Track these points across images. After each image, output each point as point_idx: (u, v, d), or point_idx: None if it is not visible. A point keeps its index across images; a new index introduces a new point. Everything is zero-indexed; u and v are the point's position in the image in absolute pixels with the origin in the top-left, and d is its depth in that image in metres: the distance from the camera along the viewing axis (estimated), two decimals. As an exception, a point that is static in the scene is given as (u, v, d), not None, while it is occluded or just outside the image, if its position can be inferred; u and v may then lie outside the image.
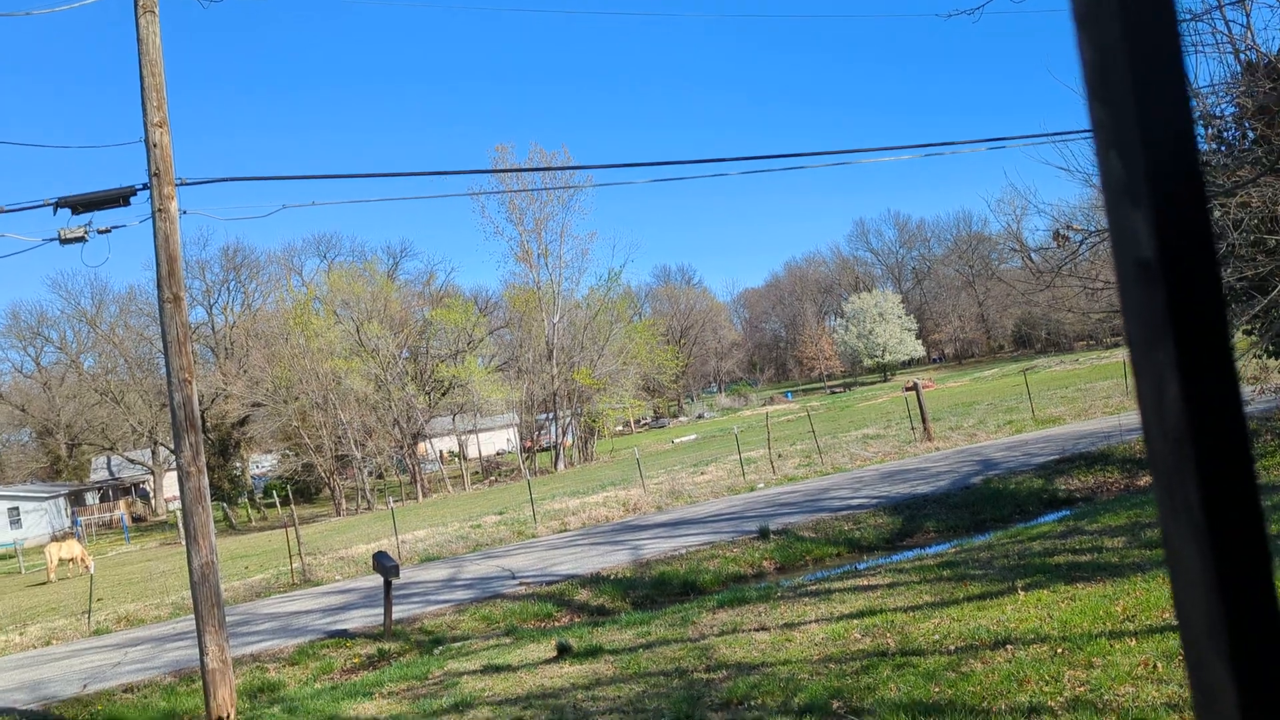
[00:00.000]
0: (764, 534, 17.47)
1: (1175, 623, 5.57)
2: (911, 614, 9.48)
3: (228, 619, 12.78)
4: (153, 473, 75.91)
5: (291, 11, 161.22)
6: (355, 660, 13.74)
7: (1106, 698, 6.18)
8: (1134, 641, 7.23)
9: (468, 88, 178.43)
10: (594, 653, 10.34)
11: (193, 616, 11.00)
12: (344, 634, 14.73)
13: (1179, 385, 0.64)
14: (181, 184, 10.79)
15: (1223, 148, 15.18)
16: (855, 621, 9.61)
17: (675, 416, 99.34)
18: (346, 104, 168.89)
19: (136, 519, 68.87)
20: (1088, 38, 0.68)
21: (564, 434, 59.34)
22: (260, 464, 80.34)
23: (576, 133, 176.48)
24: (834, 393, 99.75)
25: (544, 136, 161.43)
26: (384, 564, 13.98)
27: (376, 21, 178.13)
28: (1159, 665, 6.61)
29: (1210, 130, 15.29)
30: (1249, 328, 15.07)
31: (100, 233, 10.84)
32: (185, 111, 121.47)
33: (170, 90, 10.78)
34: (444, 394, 58.61)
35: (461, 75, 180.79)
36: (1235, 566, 0.62)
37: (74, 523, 60.92)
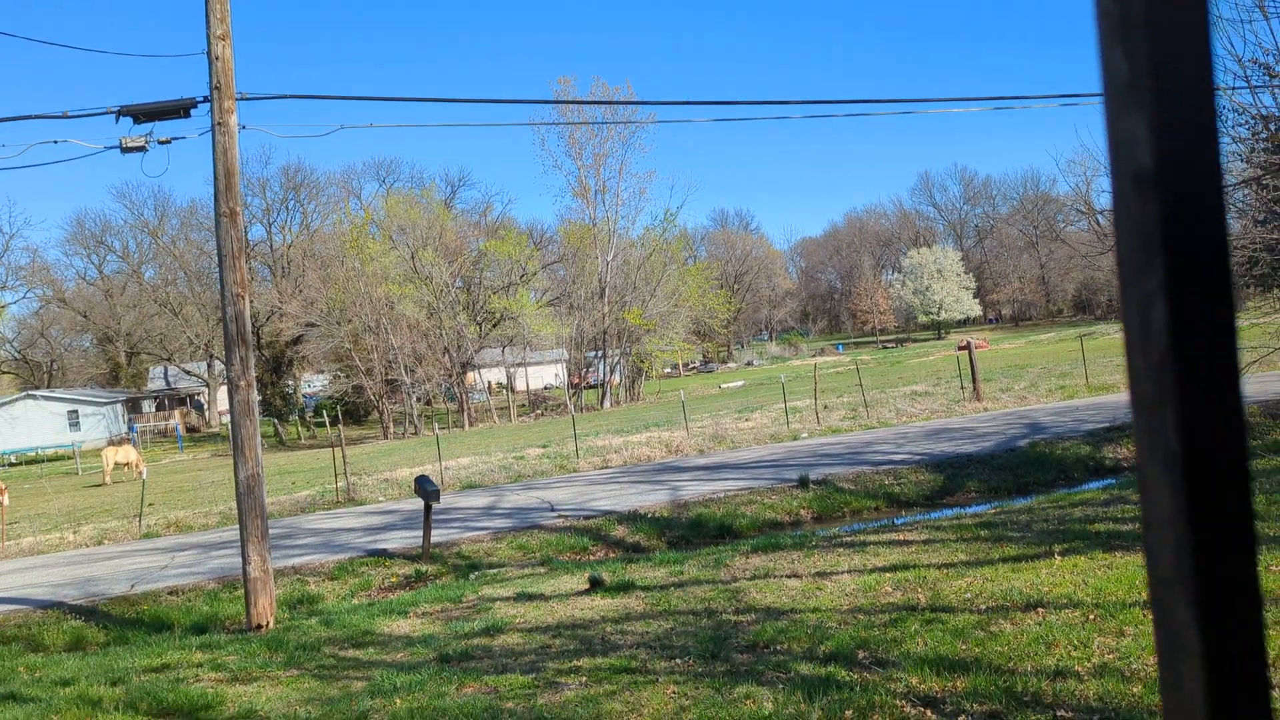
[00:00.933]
0: (803, 483, 17.45)
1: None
2: (945, 571, 9.43)
3: (271, 532, 13.12)
4: (208, 385, 77.67)
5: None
6: (393, 579, 14.04)
7: (1135, 666, 6.11)
8: (1168, 613, 7.13)
9: (530, 20, 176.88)
10: (626, 588, 10.45)
11: (238, 526, 11.30)
12: (383, 553, 15.05)
13: (1166, 307, 0.59)
14: (242, 98, 10.85)
15: None
16: (887, 575, 9.59)
17: (724, 362, 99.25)
18: (408, 29, 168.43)
19: (190, 429, 70.73)
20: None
21: (611, 373, 59.59)
22: (312, 383, 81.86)
23: (639, 68, 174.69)
24: (886, 348, 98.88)
25: (607, 71, 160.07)
26: (425, 488, 14.20)
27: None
28: (1191, 638, 6.52)
29: None
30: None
31: (161, 143, 10.96)
32: (248, 25, 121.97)
33: (233, 3, 10.79)
34: (495, 325, 59.03)
35: (525, 5, 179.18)
36: (1209, 505, 0.57)
37: (130, 429, 62.77)
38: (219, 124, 10.60)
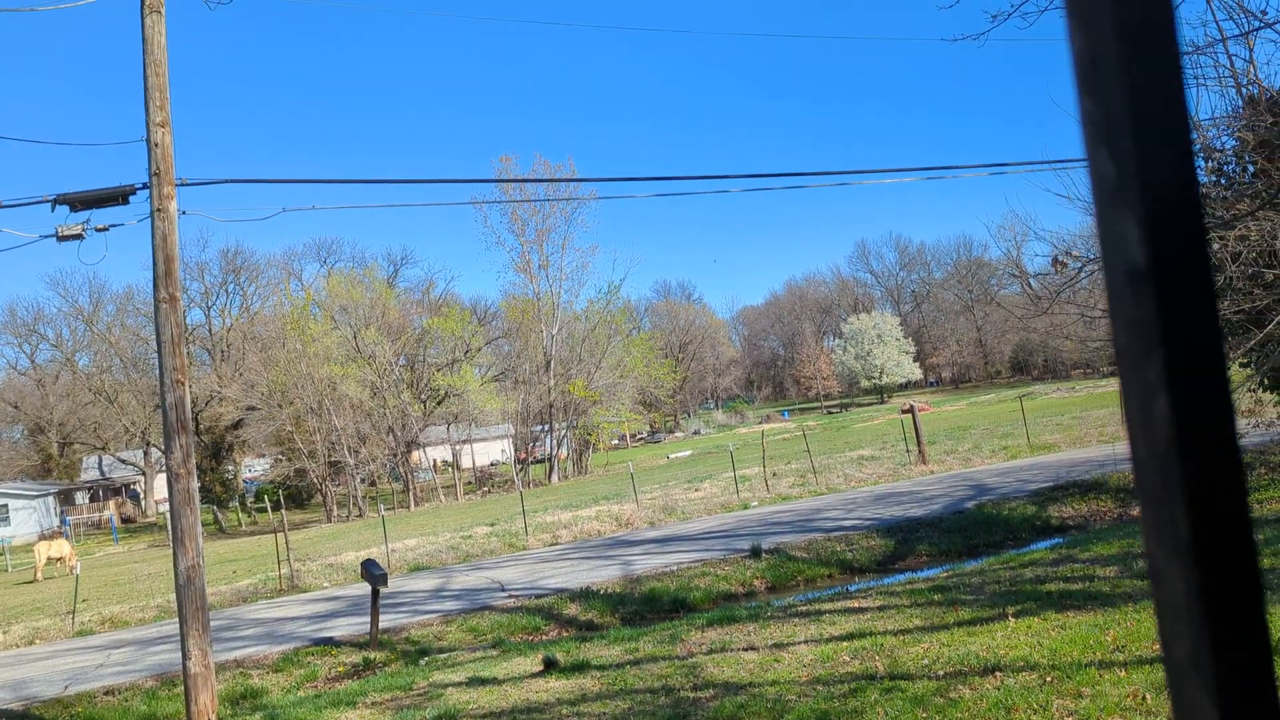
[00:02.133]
0: (756, 552, 17.40)
1: (1165, 654, 5.55)
2: (901, 637, 9.41)
3: (212, 623, 12.70)
4: (144, 474, 75.65)
5: (297, 17, 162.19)
6: (340, 669, 13.64)
7: (1095, 728, 6.13)
8: (1123, 672, 7.17)
9: (472, 102, 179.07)
10: (581, 668, 10.26)
11: (177, 620, 10.91)
12: (330, 641, 14.63)
13: (1168, 399, 0.60)
14: (182, 184, 10.77)
15: (1222, 180, 15.20)
16: (844, 644, 9.54)
17: (671, 432, 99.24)
18: (350, 113, 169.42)
19: (126, 520, 68.62)
20: (1079, 25, 0.64)
21: (559, 446, 59.23)
22: (253, 468, 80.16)
23: (581, 148, 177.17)
24: (830, 413, 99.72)
25: (548, 149, 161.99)
26: (372, 572, 13.90)
27: (383, 34, 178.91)
28: (1148, 696, 6.55)
29: (1210, 163, 15.31)
30: (1245, 360, 15.05)
31: (98, 230, 10.81)
32: (187, 112, 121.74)
33: (173, 90, 10.77)
34: (439, 403, 58.51)
35: (467, 89, 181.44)
36: (1223, 594, 0.58)
37: (63, 522, 60.73)
38: (158, 210, 10.49)
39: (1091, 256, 10.79)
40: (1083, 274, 10.57)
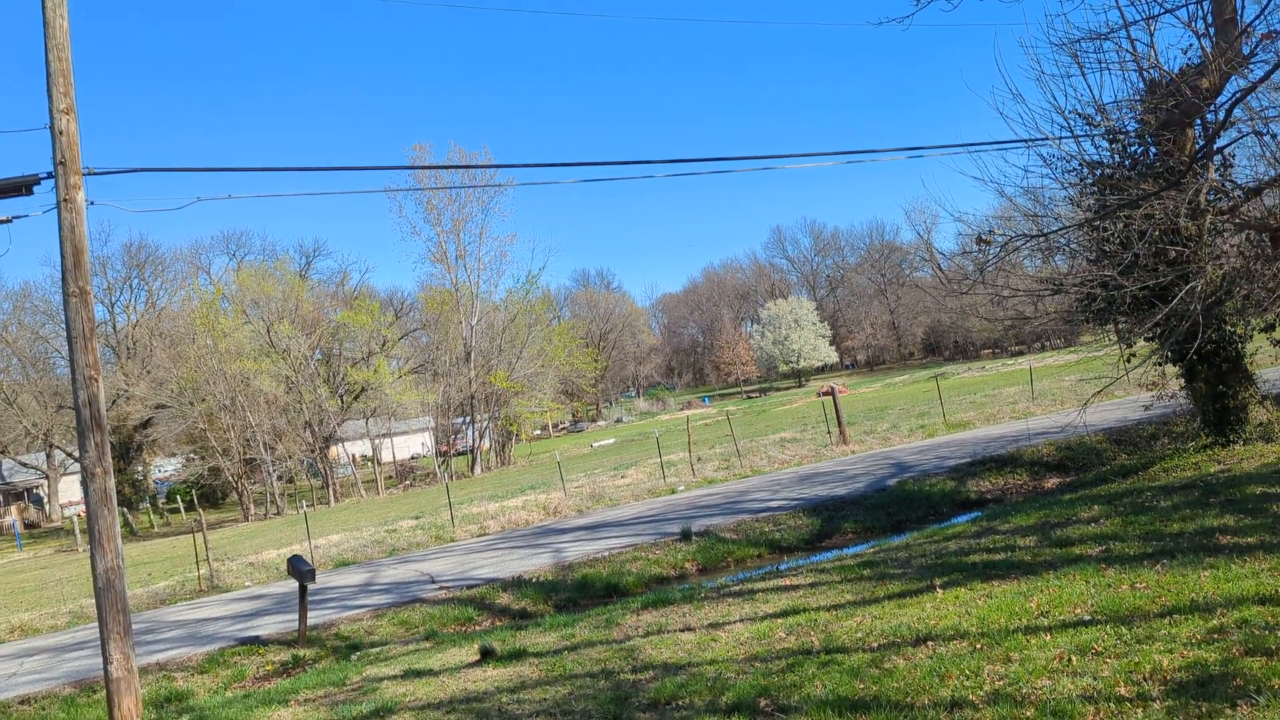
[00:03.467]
0: (686, 536, 17.53)
1: (1088, 618, 5.69)
2: (834, 613, 9.58)
3: (133, 626, 12.33)
4: (47, 477, 72.84)
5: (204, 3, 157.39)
6: (269, 667, 13.37)
7: (1025, 691, 6.31)
8: (1049, 636, 7.42)
9: (385, 85, 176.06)
10: (518, 656, 10.22)
11: (94, 625, 10.59)
12: (257, 640, 14.32)
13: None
14: (89, 173, 10.37)
15: (1127, 162, 15.76)
16: (779, 621, 9.68)
17: (594, 421, 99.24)
18: (259, 100, 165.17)
19: (29, 525, 66.04)
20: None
21: (481, 438, 58.78)
22: (163, 468, 77.80)
23: (497, 134, 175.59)
24: (750, 398, 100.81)
25: (463, 137, 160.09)
26: (299, 568, 13.65)
27: (294, 13, 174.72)
28: (1073, 659, 6.79)
29: (1116, 145, 15.86)
30: (1150, 335, 15.64)
31: (2, 222, 10.35)
32: (93, 102, 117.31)
33: (78, 80, 10.37)
34: (356, 397, 57.54)
35: (378, 71, 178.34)
36: None
37: (-38, 529, 58.15)
38: (65, 200, 10.09)
39: (1011, 235, 11.09)
40: (1001, 251, 10.85)
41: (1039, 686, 6.35)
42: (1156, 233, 13.89)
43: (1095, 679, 6.26)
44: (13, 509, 67.20)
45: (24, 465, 73.79)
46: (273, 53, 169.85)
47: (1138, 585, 8.38)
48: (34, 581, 28.97)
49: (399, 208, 62.98)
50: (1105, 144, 15.81)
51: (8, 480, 75.70)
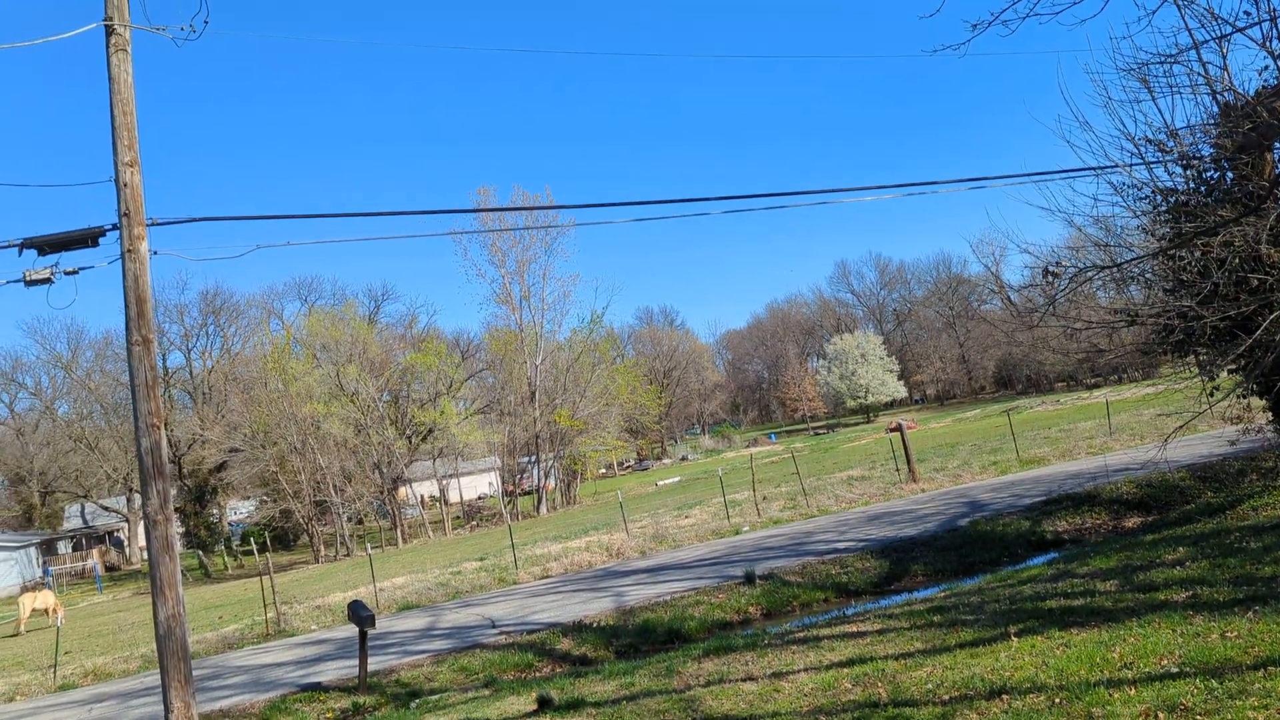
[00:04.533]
0: (750, 579, 17.15)
1: (1175, 670, 5.27)
2: (903, 662, 9.20)
3: (197, 672, 12.36)
4: (127, 520, 74.71)
5: (267, 55, 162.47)
6: (329, 715, 13.30)
7: (1109, 751, 5.93)
8: (1133, 690, 6.99)
9: (449, 137, 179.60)
10: (576, 705, 9.99)
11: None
12: (318, 687, 14.29)
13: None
14: (153, 224, 10.55)
15: (1202, 188, 15.20)
16: (845, 670, 9.32)
17: (659, 458, 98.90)
18: (324, 156, 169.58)
19: (110, 568, 67.66)
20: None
21: (546, 477, 58.81)
22: (238, 510, 79.31)
23: (558, 177, 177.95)
24: (817, 434, 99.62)
25: (526, 180, 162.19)
26: (359, 614, 13.59)
27: (356, 69, 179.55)
28: (1160, 715, 6.37)
29: (1190, 171, 15.31)
30: (1234, 367, 14.98)
31: (68, 274, 10.55)
32: (158, 152, 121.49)
33: (141, 130, 10.58)
34: (424, 438, 58.04)
35: (443, 125, 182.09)
36: None
37: (45, 572, 59.80)
38: (129, 251, 10.26)
39: (1082, 266, 10.69)
40: (1069, 284, 10.45)
41: (1123, 747, 5.95)
42: (1237, 260, 13.32)
43: (1185, 739, 5.86)
44: (95, 552, 68.92)
45: (106, 509, 75.79)
46: (334, 103, 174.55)
47: (1228, 634, 7.89)
48: (110, 625, 29.49)
49: (464, 250, 63.58)
50: (1179, 170, 15.27)
51: (90, 524, 77.77)
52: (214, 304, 76.84)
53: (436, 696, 12.96)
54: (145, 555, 64.98)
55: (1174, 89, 14.84)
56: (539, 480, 58.70)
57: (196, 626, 23.52)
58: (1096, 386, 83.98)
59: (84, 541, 73.36)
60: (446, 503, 60.61)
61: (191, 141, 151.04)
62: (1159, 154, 14.92)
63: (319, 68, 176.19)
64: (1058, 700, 7.11)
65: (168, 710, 10.11)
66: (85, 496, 77.12)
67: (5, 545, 63.17)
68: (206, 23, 10.62)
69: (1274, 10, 11.69)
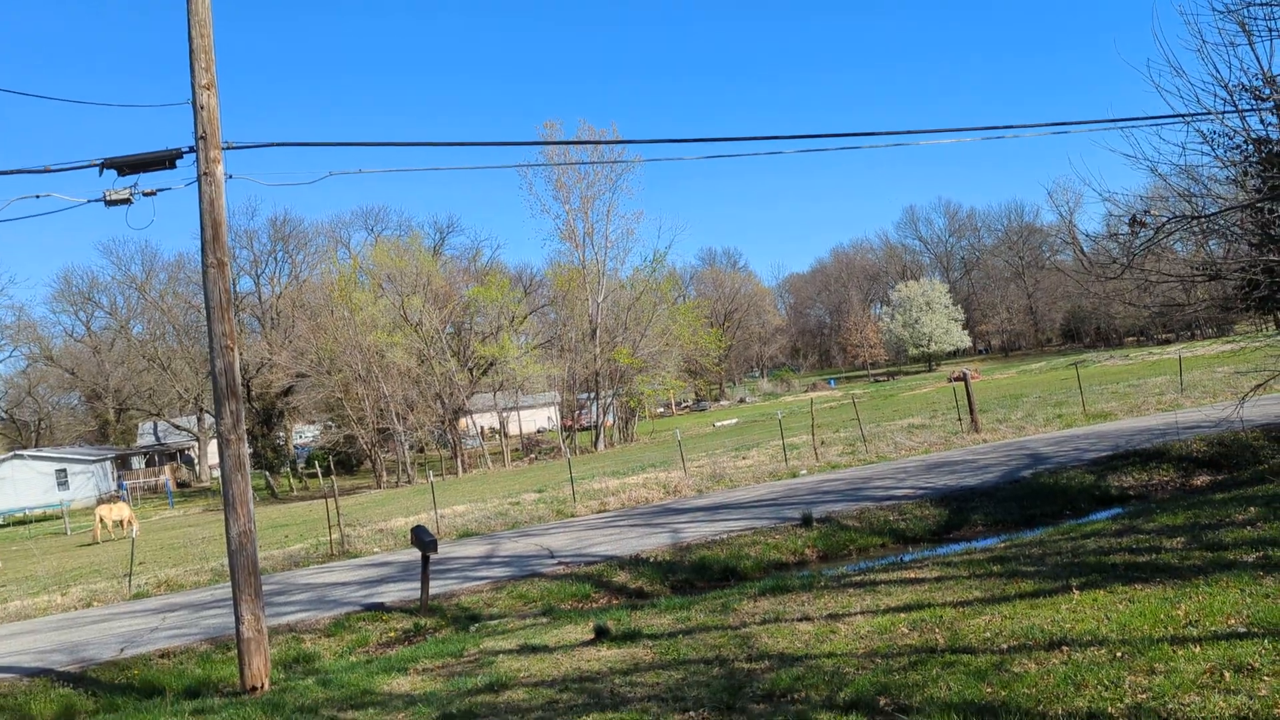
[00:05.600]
0: (807, 521, 17.17)
1: (1243, 630, 5.17)
2: (961, 610, 9.16)
3: (264, 588, 12.78)
4: (198, 439, 77.05)
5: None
6: (391, 634, 13.68)
7: (1170, 706, 5.85)
8: (1198, 648, 6.88)
9: (516, 67, 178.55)
10: (632, 637, 10.14)
11: (230, 584, 10.98)
12: (380, 607, 14.69)
13: None
14: (228, 147, 10.69)
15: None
16: (902, 615, 9.31)
17: (716, 400, 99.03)
18: (396, 83, 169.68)
19: (181, 485, 70.03)
20: None
21: (605, 414, 59.28)
22: (303, 434, 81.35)
23: (625, 112, 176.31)
24: (877, 381, 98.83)
25: (593, 115, 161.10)
26: (422, 538, 13.89)
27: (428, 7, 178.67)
28: (1226, 674, 6.26)
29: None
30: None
31: (146, 195, 10.76)
32: (233, 78, 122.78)
33: (218, 55, 10.66)
34: (485, 371, 58.76)
35: (511, 59, 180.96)
36: None
37: (120, 487, 62.08)
38: (205, 174, 10.42)
39: (1166, 217, 10.32)
40: (1159, 234, 10.10)
41: (1187, 703, 5.87)
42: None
43: (1251, 698, 5.76)
44: (166, 469, 71.32)
45: (177, 428, 78.22)
46: (403, 32, 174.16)
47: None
48: (182, 539, 30.57)
49: (529, 185, 63.71)
50: (1274, 119, 14.62)
51: (162, 442, 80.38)
52: (283, 231, 78.15)
53: (495, 622, 13.25)
54: (214, 474, 67.03)
55: (1275, 33, 14.15)
56: (597, 416, 59.21)
57: (264, 544, 24.26)
58: (1168, 342, 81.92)
59: (156, 458, 75.97)
60: (506, 435, 61.49)
61: (267, 65, 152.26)
62: (1254, 101, 14.28)
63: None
64: (1119, 654, 7.02)
65: (238, 620, 10.49)
66: (158, 415, 79.60)
67: (82, 459, 65.64)
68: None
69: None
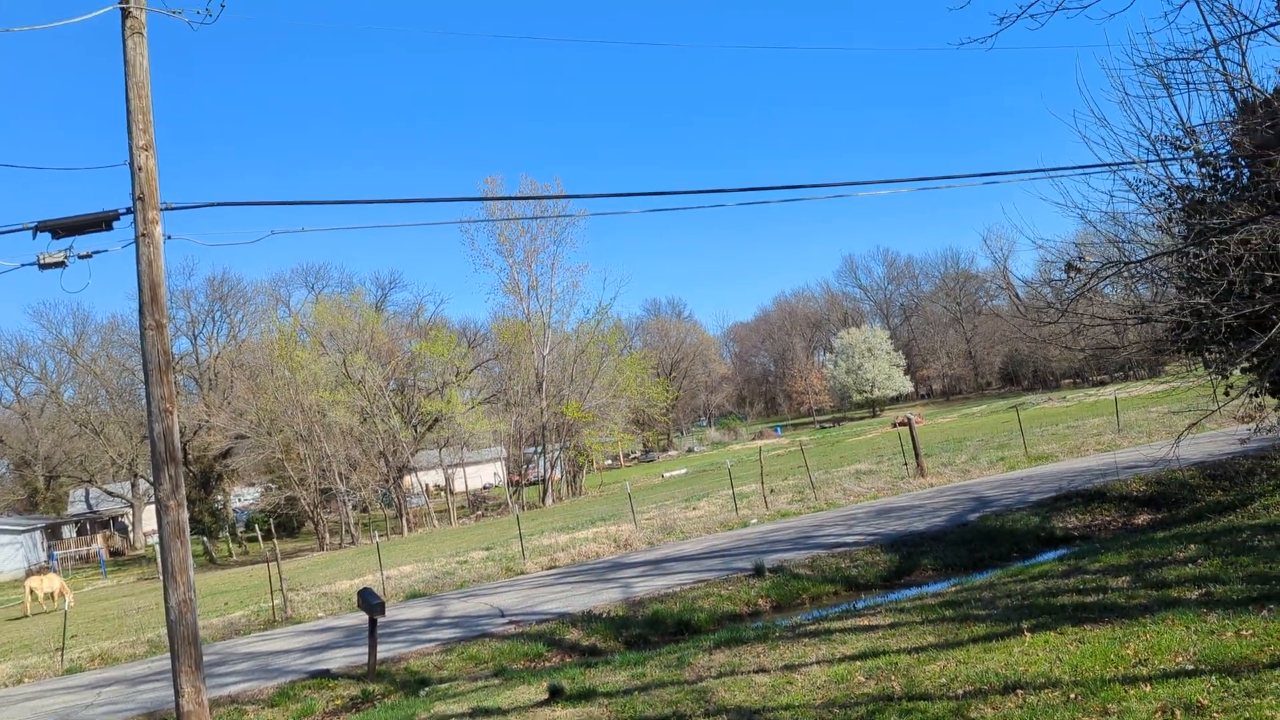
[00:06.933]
0: (759, 571, 17.13)
1: (1190, 667, 5.23)
2: (915, 655, 9.17)
3: (205, 658, 12.37)
4: (132, 506, 74.88)
5: (279, 41, 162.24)
6: (338, 702, 13.31)
7: (1126, 748, 5.90)
8: (1149, 687, 6.96)
9: (458, 123, 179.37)
10: (587, 695, 9.98)
11: (168, 655, 10.60)
12: (326, 674, 14.30)
13: None
14: (167, 208, 10.53)
15: (1219, 186, 15.10)
16: (858, 663, 9.29)
17: (665, 450, 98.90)
18: (336, 137, 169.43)
19: (114, 553, 67.84)
20: None
21: (552, 468, 58.84)
22: (242, 497, 79.43)
23: (568, 168, 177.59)
24: (823, 428, 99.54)
25: (535, 170, 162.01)
26: (369, 601, 13.60)
27: (368, 55, 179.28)
28: (1177, 713, 6.34)
29: (1205, 169, 15.21)
30: (1247, 365, 14.90)
31: (81, 258, 10.53)
32: (170, 136, 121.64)
33: (156, 114, 10.55)
34: (430, 427, 58.08)
35: (452, 110, 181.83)
36: None
37: (50, 557, 60.03)
38: (143, 235, 10.24)
39: (1100, 262, 10.62)
40: (1092, 280, 10.38)
41: (1141, 744, 5.92)
42: (1253, 259, 13.23)
43: (1204, 737, 5.82)
44: (99, 537, 69.11)
45: (110, 494, 75.94)
46: (344, 88, 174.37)
47: (1243, 632, 7.85)
48: (116, 610, 29.57)
49: (471, 240, 63.93)
50: (1194, 168, 15.18)
51: (95, 509, 77.96)
52: (221, 290, 76.97)
53: (446, 685, 12.97)
54: (149, 541, 65.01)
55: (1192, 86, 14.73)
56: (545, 471, 58.73)
57: (203, 612, 23.55)
58: (1103, 384, 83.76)
59: (89, 526, 73.59)
60: (452, 492, 60.69)
61: (203, 125, 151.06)
62: (1174, 151, 14.82)
63: (334, 52, 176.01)
64: (1073, 696, 7.08)
65: (178, 694, 10.11)
66: (90, 481, 77.27)
67: (10, 529, 63.37)
68: (223, 6, 10.56)
69: (1297, 6, 11.61)
